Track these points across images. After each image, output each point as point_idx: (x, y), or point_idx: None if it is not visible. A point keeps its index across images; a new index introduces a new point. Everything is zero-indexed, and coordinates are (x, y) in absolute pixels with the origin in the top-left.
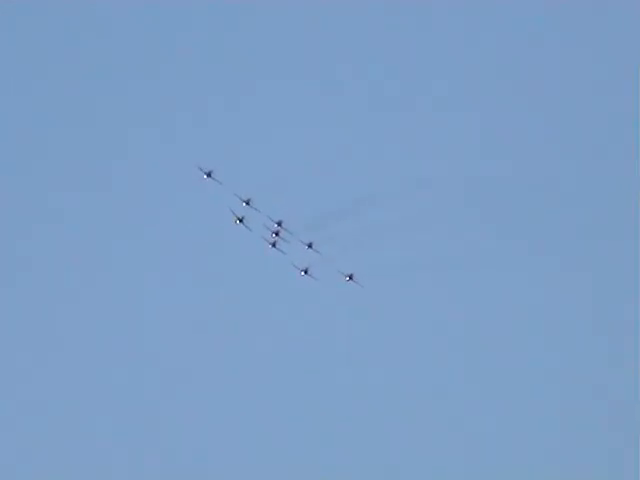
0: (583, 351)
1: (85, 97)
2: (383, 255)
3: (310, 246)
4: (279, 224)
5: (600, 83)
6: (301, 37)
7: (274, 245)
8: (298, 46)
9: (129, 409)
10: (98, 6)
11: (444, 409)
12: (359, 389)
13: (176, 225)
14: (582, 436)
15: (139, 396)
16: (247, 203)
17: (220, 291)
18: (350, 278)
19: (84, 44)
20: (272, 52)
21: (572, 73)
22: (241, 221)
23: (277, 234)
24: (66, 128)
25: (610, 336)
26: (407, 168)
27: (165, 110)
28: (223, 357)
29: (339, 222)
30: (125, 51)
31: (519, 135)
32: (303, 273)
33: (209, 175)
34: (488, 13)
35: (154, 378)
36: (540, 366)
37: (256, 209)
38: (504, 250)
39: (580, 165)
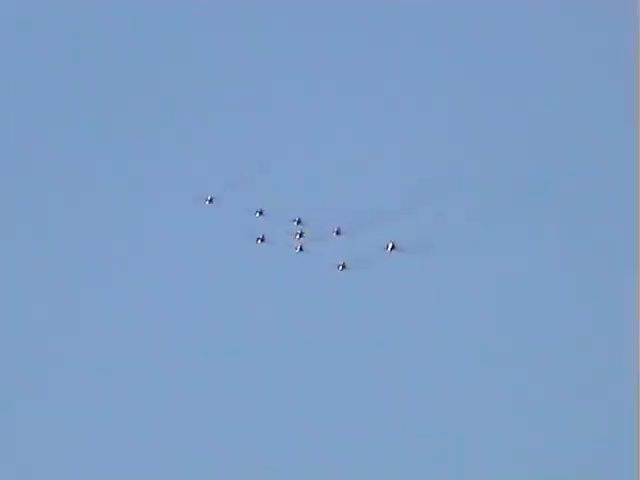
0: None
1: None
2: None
3: (338, 232)
4: (299, 222)
5: (593, 82)
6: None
7: (301, 249)
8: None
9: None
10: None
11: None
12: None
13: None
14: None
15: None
16: (260, 213)
17: (264, 311)
18: (393, 247)
19: (95, 55)
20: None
21: (570, 71)
22: (262, 240)
23: (301, 235)
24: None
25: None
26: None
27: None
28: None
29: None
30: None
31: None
32: (341, 268)
33: (211, 201)
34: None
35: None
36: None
37: (271, 215)
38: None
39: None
